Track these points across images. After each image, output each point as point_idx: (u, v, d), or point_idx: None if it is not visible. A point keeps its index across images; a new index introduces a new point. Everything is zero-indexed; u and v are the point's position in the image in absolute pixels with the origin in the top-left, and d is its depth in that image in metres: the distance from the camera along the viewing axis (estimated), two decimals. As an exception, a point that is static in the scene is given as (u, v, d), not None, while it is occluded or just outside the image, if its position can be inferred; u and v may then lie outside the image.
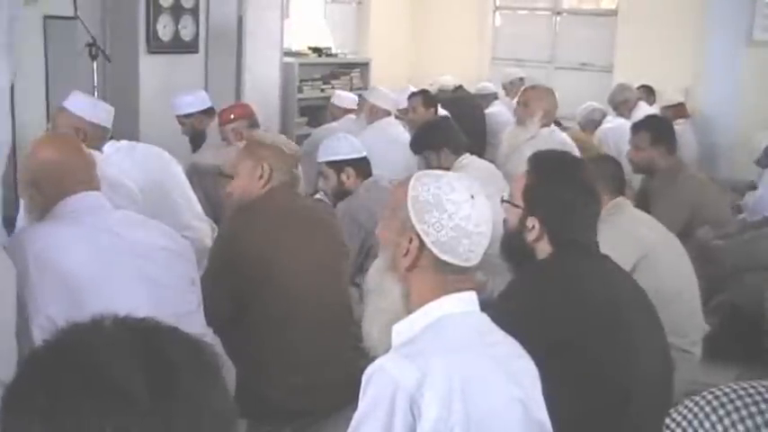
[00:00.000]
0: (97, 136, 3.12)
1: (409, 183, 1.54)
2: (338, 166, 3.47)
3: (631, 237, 2.86)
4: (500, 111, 6.22)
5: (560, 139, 4.26)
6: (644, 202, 3.67)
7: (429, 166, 3.69)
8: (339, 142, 3.53)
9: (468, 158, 3.73)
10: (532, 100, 4.13)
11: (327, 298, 2.55)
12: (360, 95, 5.31)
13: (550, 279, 2.00)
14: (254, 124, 4.20)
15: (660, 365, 2.05)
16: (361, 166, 3.49)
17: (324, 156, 3.49)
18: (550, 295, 1.95)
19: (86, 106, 3.19)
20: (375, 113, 4.97)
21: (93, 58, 4.69)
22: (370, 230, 3.35)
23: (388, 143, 4.67)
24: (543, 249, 2.05)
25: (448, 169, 3.59)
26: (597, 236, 2.12)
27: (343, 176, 3.46)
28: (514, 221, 2.09)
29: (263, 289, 2.46)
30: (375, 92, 5.12)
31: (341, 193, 3.47)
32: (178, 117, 4.51)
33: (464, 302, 1.52)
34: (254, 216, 2.56)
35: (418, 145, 3.79)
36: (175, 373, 0.80)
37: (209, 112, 4.51)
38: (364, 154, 3.53)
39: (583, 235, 2.06)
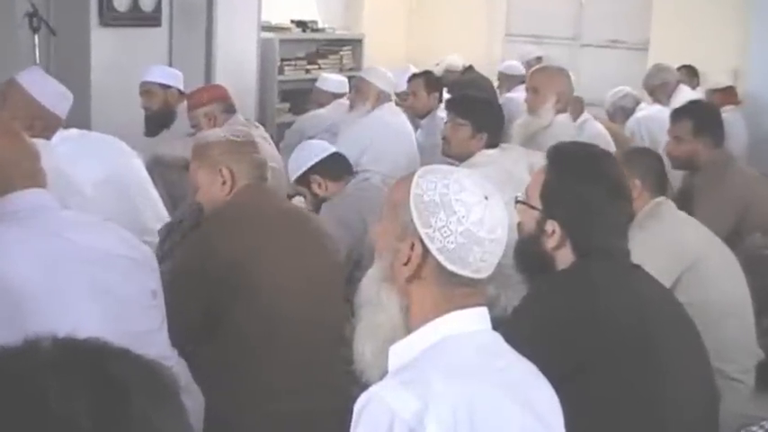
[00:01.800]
0: (50, 127, 3.13)
1: (412, 179, 1.54)
2: (304, 178, 3.53)
3: (675, 245, 2.87)
4: (520, 97, 6.23)
5: (594, 131, 4.28)
6: (685, 202, 3.68)
7: (450, 137, 3.70)
8: (298, 154, 3.62)
9: (485, 155, 3.71)
10: (542, 84, 4.13)
11: (316, 314, 2.57)
12: (357, 77, 5.28)
13: (572, 293, 2.01)
14: (229, 108, 4.22)
15: (701, 395, 2.06)
16: (327, 167, 3.53)
17: (291, 176, 3.57)
18: (571, 312, 1.97)
19: (47, 90, 3.18)
20: (380, 99, 4.95)
21: (35, 30, 4.69)
22: (359, 236, 3.36)
23: (389, 134, 4.67)
24: (564, 258, 2.06)
25: (463, 155, 3.62)
26: (629, 242, 2.13)
27: (315, 187, 3.50)
28: (531, 225, 2.09)
29: (239, 302, 2.48)
30: (377, 72, 5.10)
31: (319, 206, 3.51)
32: (149, 85, 4.53)
33: (473, 320, 1.53)
34: (227, 221, 2.59)
35: (465, 108, 3.74)
36: (125, 399, 0.81)
37: (180, 95, 4.55)
38: (329, 152, 3.57)
39: (611, 241, 2.07)
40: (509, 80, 6.69)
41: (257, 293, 2.48)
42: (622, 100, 6.06)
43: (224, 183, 2.63)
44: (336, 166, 3.58)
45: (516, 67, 6.91)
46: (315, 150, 3.61)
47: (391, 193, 1.61)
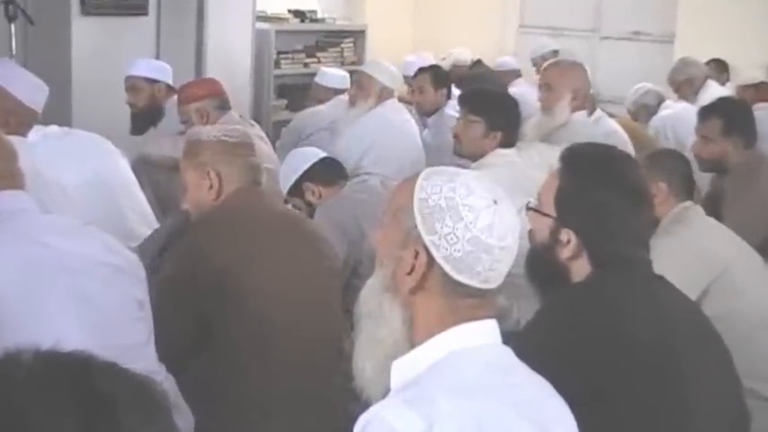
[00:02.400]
0: (26, 122, 3.14)
1: (415, 182, 1.55)
2: (297, 188, 3.58)
3: (704, 252, 2.89)
4: (522, 93, 6.24)
5: (608, 129, 4.26)
6: (714, 207, 3.69)
7: (461, 135, 3.71)
8: (288, 163, 3.68)
9: (499, 155, 3.72)
10: (556, 80, 4.13)
11: (312, 325, 2.58)
12: (358, 72, 5.30)
13: (589, 309, 2.00)
14: (223, 104, 4.23)
15: (730, 417, 2.06)
16: (319, 173, 3.57)
17: (283, 188, 3.63)
18: (589, 330, 1.96)
19: (21, 82, 3.19)
20: (383, 95, 4.97)
21: (11, 19, 4.70)
22: (356, 240, 3.37)
23: (393, 133, 4.68)
24: (580, 269, 2.06)
25: (475, 155, 3.63)
26: (653, 250, 2.13)
27: (308, 195, 3.54)
28: (544, 234, 2.09)
29: (230, 315, 2.49)
30: (380, 66, 5.11)
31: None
32: (134, 80, 4.54)
33: (481, 333, 1.53)
34: (216, 229, 2.60)
35: (478, 104, 3.75)
36: (113, 416, 0.81)
37: (169, 90, 4.56)
38: (319, 157, 3.62)
39: (631, 251, 2.07)
40: (505, 76, 6.72)
41: (248, 303, 2.49)
42: (644, 97, 6.03)
43: (210, 186, 2.64)
44: (329, 171, 3.61)
45: (508, 62, 7.00)
46: (305, 157, 3.65)
47: (393, 196, 1.61)
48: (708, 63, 6.33)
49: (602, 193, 2.04)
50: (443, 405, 1.40)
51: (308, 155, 3.67)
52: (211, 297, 2.48)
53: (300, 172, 3.58)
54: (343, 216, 3.42)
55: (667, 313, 2.04)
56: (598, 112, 4.40)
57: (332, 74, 5.93)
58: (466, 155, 3.71)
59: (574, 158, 2.11)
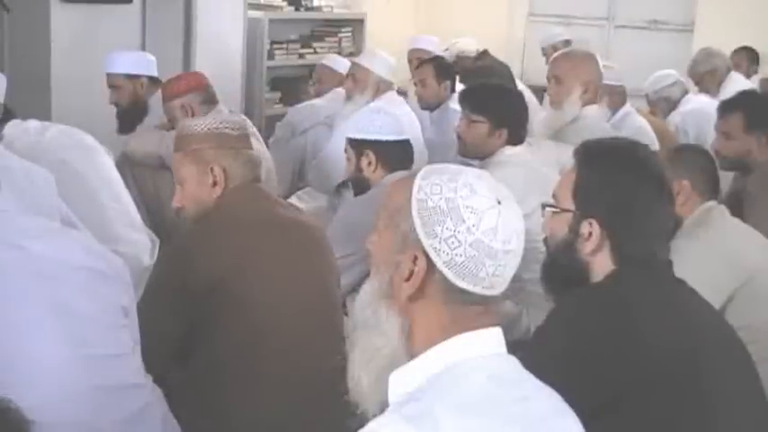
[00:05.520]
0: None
1: (413, 181, 1.54)
2: (360, 146, 3.49)
3: (728, 257, 2.88)
4: None
5: (636, 125, 4.27)
6: (735, 208, 3.68)
7: (464, 135, 3.70)
8: (370, 116, 3.57)
9: (508, 154, 3.70)
10: (566, 72, 4.13)
11: (312, 339, 2.56)
12: (354, 64, 5.28)
13: (607, 312, 2.00)
14: (209, 99, 4.22)
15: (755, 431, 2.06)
16: (386, 152, 3.46)
17: (348, 131, 3.56)
18: (607, 335, 1.95)
19: None
20: (380, 88, 4.96)
21: (-15, 7, 4.70)
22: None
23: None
24: (601, 265, 2.06)
25: (481, 155, 3.62)
26: (673, 253, 2.13)
27: (363, 161, 3.47)
28: (563, 232, 2.10)
29: (221, 325, 2.49)
30: (376, 58, 5.10)
31: (359, 183, 3.51)
32: (114, 78, 4.53)
33: (486, 342, 1.53)
34: (211, 229, 2.59)
35: (479, 101, 3.75)
36: None
37: (154, 83, 4.55)
38: (398, 138, 3.52)
39: (654, 248, 2.07)
40: None
41: (240, 314, 2.48)
42: (670, 89, 5.90)
43: (214, 183, 2.62)
44: (396, 155, 3.49)
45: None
46: (390, 127, 3.52)
47: (389, 197, 1.60)
48: (738, 51, 6.29)
49: (622, 181, 2.05)
50: (446, 421, 1.40)
51: (394, 129, 3.54)
52: (195, 306, 2.47)
53: (374, 137, 3.47)
54: (362, 214, 3.35)
55: (692, 320, 2.04)
56: (627, 108, 4.39)
57: (340, 61, 5.80)
58: (471, 156, 3.70)
59: (590, 151, 2.13)
